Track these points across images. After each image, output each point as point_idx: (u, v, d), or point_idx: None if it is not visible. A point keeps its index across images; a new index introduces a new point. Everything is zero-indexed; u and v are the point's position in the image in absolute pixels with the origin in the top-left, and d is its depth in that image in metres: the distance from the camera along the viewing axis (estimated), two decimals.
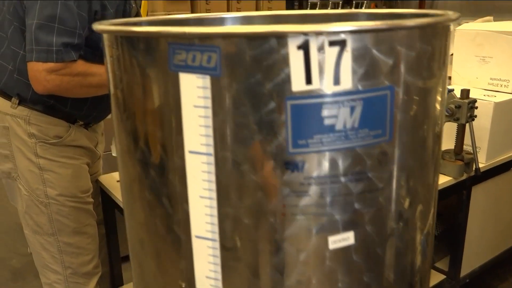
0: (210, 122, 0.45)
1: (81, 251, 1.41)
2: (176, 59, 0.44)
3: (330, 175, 0.45)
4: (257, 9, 3.67)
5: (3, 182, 1.40)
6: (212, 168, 0.46)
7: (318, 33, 0.41)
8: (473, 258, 1.78)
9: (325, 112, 0.43)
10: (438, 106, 0.51)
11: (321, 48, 0.41)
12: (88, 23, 1.19)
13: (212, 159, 0.46)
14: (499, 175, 1.74)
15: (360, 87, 0.43)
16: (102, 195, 1.66)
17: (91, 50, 1.24)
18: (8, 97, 1.28)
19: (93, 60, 1.23)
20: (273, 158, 0.44)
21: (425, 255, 0.57)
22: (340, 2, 4.78)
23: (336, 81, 0.43)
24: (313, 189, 0.45)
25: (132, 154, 0.52)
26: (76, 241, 1.40)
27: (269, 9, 3.74)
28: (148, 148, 0.50)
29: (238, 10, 3.60)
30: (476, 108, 1.50)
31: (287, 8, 4.85)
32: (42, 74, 1.13)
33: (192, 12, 3.53)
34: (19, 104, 1.27)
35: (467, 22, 4.76)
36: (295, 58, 0.41)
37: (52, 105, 1.28)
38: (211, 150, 0.45)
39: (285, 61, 0.42)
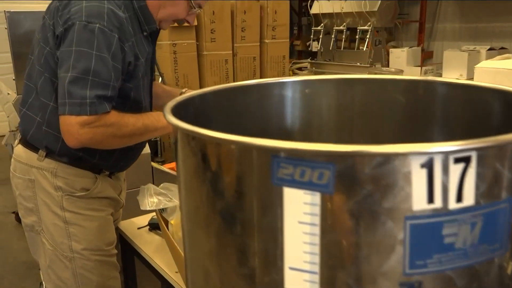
0: (317, 240, 0.41)
1: None
2: (281, 173, 0.41)
3: None
4: (261, 38, 3.67)
5: (26, 235, 1.35)
6: (316, 287, 0.42)
7: (443, 152, 0.38)
8: None
9: (446, 231, 0.40)
10: None
11: (445, 166, 0.38)
12: (122, 74, 1.17)
13: (317, 277, 0.42)
14: None
15: (482, 203, 0.40)
16: (122, 242, 1.61)
17: (122, 100, 1.21)
18: (34, 149, 1.24)
19: (123, 109, 1.20)
20: (387, 279, 0.41)
21: None
22: (344, 30, 4.81)
23: (459, 198, 0.39)
24: None
25: (220, 261, 0.48)
26: None
27: (273, 37, 3.74)
28: (241, 258, 0.46)
29: (243, 39, 3.61)
30: None
31: (291, 37, 4.87)
32: (75, 127, 1.09)
33: (197, 40, 3.52)
34: (46, 156, 1.23)
35: (468, 47, 4.76)
36: (418, 177, 0.38)
37: (80, 156, 1.24)
38: (316, 268, 0.42)
39: (406, 180, 0.38)
